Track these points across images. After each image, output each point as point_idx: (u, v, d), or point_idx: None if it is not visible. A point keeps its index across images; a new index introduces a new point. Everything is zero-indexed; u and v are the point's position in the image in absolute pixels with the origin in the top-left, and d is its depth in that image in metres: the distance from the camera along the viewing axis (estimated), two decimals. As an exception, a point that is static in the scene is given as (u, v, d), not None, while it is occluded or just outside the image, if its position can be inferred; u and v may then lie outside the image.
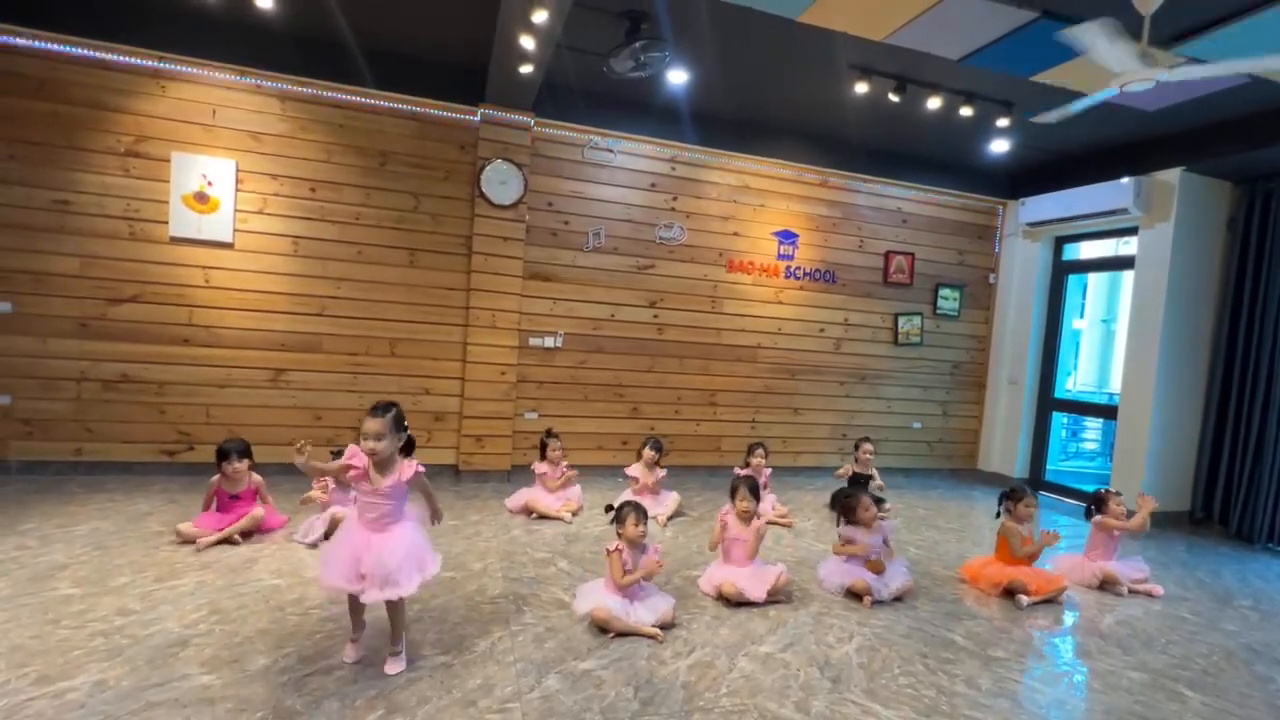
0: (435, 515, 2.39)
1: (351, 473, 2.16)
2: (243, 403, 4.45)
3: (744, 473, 3.99)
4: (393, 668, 2.17)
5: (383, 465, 2.16)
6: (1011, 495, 3.41)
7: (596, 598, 2.60)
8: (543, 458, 4.22)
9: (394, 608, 2.19)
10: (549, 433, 4.32)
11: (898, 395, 6.16)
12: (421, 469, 2.22)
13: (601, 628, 2.53)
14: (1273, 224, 4.72)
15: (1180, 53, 3.29)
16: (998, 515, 3.42)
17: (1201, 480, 5.02)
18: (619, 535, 2.70)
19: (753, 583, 2.91)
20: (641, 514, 2.73)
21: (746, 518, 3.05)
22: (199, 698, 1.96)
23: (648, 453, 4.29)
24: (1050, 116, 3.35)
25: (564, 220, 5.08)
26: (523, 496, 4.12)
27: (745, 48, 4.03)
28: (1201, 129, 4.65)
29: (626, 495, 4.28)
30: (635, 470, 4.31)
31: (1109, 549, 3.56)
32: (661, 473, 4.36)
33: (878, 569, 3.11)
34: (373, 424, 2.12)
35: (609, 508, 2.80)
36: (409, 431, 2.21)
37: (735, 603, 2.87)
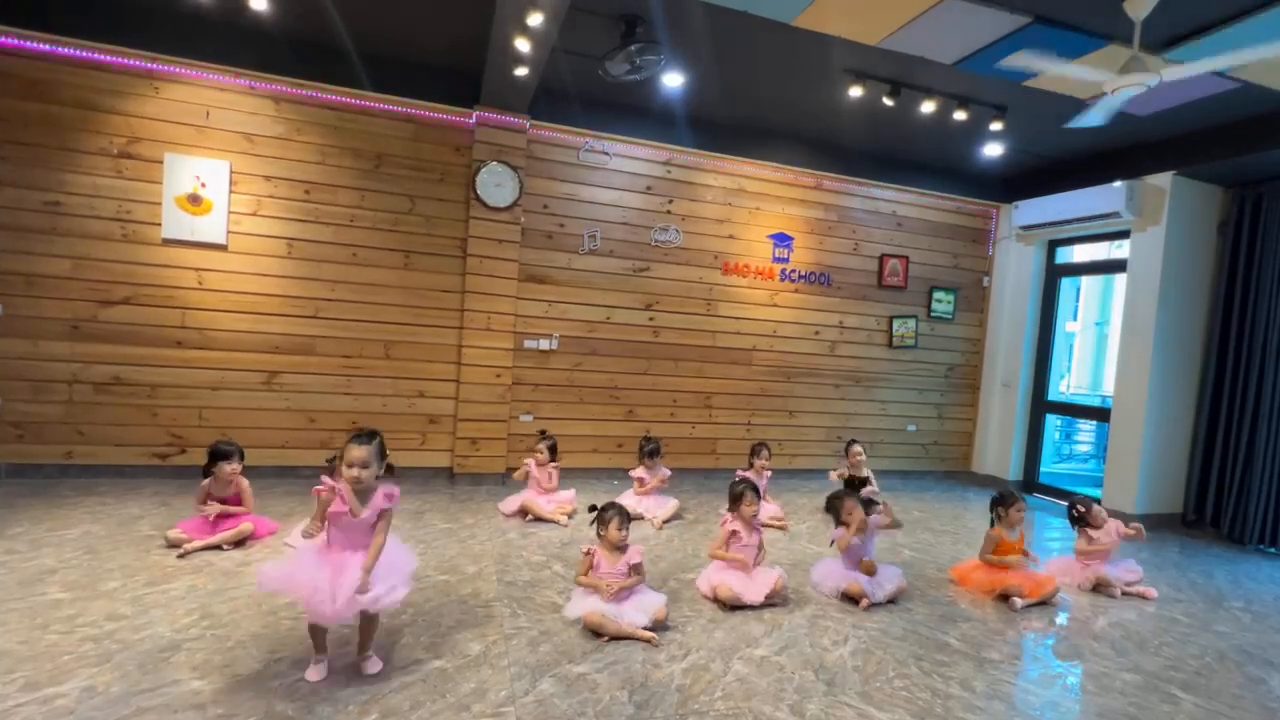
0: (369, 565, 2.12)
1: (333, 508, 2.12)
2: (236, 405, 4.42)
3: (745, 474, 4.00)
4: (373, 667, 2.17)
5: (363, 495, 2.15)
6: (1002, 501, 3.42)
7: (588, 602, 2.60)
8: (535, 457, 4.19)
9: (371, 619, 2.19)
10: (542, 434, 4.31)
11: (892, 398, 6.18)
12: (396, 494, 2.20)
13: (595, 632, 2.53)
14: (1263, 228, 4.76)
15: (1171, 58, 3.32)
16: (992, 523, 3.43)
17: (1194, 482, 5.05)
18: (600, 537, 2.71)
19: (750, 586, 2.90)
20: (625, 517, 2.73)
21: (751, 523, 3.04)
22: (190, 703, 1.95)
23: (647, 460, 4.31)
24: (1093, 118, 3.32)
25: (559, 223, 5.08)
26: (518, 498, 4.11)
27: (740, 51, 4.04)
28: (1193, 134, 4.69)
29: (628, 496, 4.28)
30: (640, 471, 4.31)
31: (1103, 553, 3.58)
32: (666, 472, 4.36)
33: (870, 570, 3.11)
34: (359, 451, 2.12)
35: (592, 508, 2.80)
36: (388, 460, 2.22)
37: (731, 606, 2.87)
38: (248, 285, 4.41)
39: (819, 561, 3.38)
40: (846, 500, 3.20)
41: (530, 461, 4.15)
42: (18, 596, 2.53)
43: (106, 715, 1.86)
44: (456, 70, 4.58)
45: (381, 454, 2.18)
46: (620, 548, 2.69)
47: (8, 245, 3.98)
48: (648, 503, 4.25)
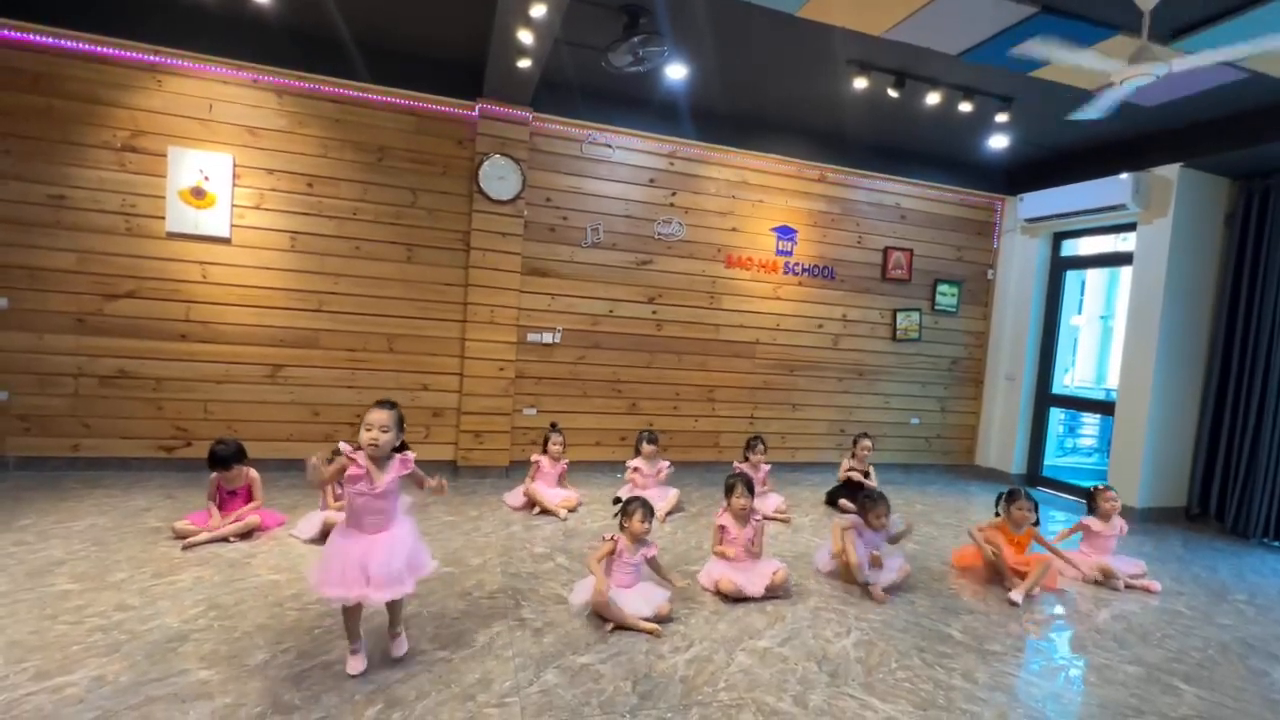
0: (425, 484, 2.27)
1: (351, 471, 2.10)
2: (240, 399, 4.44)
3: (741, 468, 4.01)
4: (399, 649, 2.20)
5: (379, 463, 2.14)
6: (1010, 497, 3.43)
7: (593, 585, 2.63)
8: (544, 451, 4.25)
9: (395, 602, 2.19)
10: (553, 426, 4.35)
11: (896, 391, 6.17)
12: (410, 459, 2.21)
13: (599, 614, 2.55)
14: (1271, 220, 4.73)
15: (1180, 48, 3.29)
16: (997, 514, 3.45)
17: (1198, 476, 5.04)
18: (622, 529, 2.73)
19: (751, 579, 2.92)
20: (648, 511, 2.76)
21: (743, 516, 3.06)
22: (198, 693, 1.97)
23: (646, 447, 4.31)
24: (1091, 111, 3.31)
25: (562, 216, 5.07)
26: (521, 489, 4.13)
27: (744, 43, 4.01)
28: (1200, 125, 4.65)
29: (626, 490, 4.29)
30: (637, 462, 4.33)
31: (1105, 545, 3.59)
32: (664, 464, 4.39)
33: (877, 564, 3.15)
34: (379, 414, 2.12)
35: (617, 500, 2.84)
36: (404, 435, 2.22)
37: (733, 598, 2.89)
38: (251, 279, 4.42)
39: (824, 546, 3.42)
40: (879, 507, 3.18)
41: (540, 457, 4.21)
42: (27, 587, 2.56)
43: (116, 704, 1.88)
44: (459, 62, 4.57)
45: (400, 424, 2.17)
46: (641, 541, 2.73)
47: (12, 239, 3.99)
48: (649, 495, 4.25)
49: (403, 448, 2.21)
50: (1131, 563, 3.57)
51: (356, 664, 2.12)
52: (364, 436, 2.10)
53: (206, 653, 2.19)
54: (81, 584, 2.62)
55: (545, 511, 4.01)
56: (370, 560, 2.06)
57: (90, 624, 2.31)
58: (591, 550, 2.72)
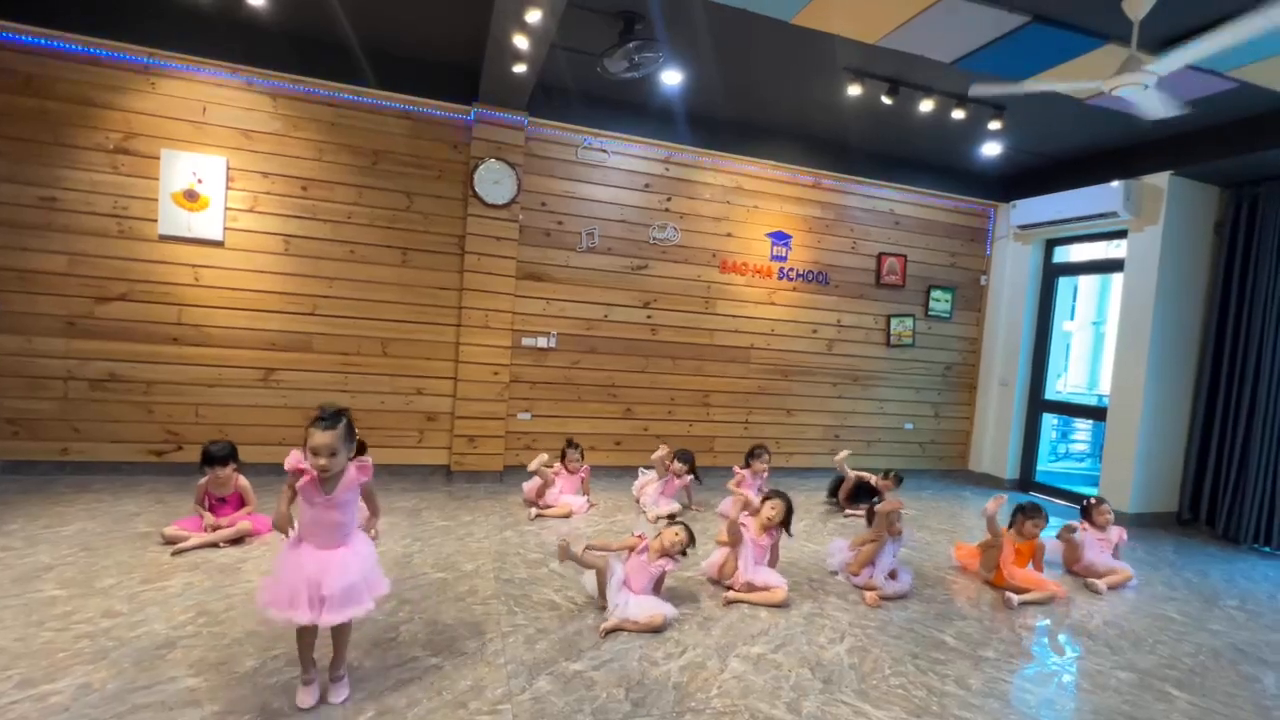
0: (373, 520, 2.12)
1: (303, 480, 1.93)
2: (232, 402, 4.41)
3: (742, 472, 4.28)
4: (338, 695, 1.99)
5: (332, 481, 1.98)
6: (1022, 510, 3.43)
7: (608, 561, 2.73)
8: (563, 462, 4.34)
9: (343, 632, 2.02)
10: (570, 443, 4.39)
11: (890, 396, 6.18)
12: (369, 465, 2.04)
13: (600, 582, 2.67)
14: (1259, 228, 4.77)
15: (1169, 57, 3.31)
16: (1010, 525, 3.46)
17: (1189, 481, 5.07)
18: (659, 536, 2.81)
19: (756, 574, 3.03)
20: (690, 538, 2.83)
21: (767, 527, 3.14)
22: (186, 700, 1.95)
23: (677, 464, 4.32)
24: (993, 89, 3.39)
25: (557, 220, 5.07)
26: (538, 486, 4.18)
27: (739, 49, 4.03)
28: (1190, 133, 4.69)
29: (640, 485, 4.47)
30: (668, 475, 4.36)
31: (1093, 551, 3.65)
32: (688, 478, 4.37)
33: (892, 575, 3.22)
34: (323, 438, 1.88)
35: (671, 517, 2.95)
36: (358, 438, 2.04)
37: (735, 589, 2.98)
38: (245, 282, 4.39)
39: (834, 540, 3.54)
40: (896, 513, 3.23)
41: (559, 466, 4.29)
42: (13, 594, 2.52)
43: (102, 713, 1.86)
44: (454, 66, 4.57)
45: (350, 435, 1.97)
46: (672, 556, 2.78)
47: (3, 241, 3.95)
48: (662, 500, 4.30)
49: (360, 451, 2.03)
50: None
51: (309, 695, 1.96)
52: (313, 463, 1.92)
53: (195, 660, 2.16)
54: (69, 590, 2.59)
55: (543, 513, 4.05)
56: (324, 577, 1.90)
57: (77, 630, 2.29)
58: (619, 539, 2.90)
